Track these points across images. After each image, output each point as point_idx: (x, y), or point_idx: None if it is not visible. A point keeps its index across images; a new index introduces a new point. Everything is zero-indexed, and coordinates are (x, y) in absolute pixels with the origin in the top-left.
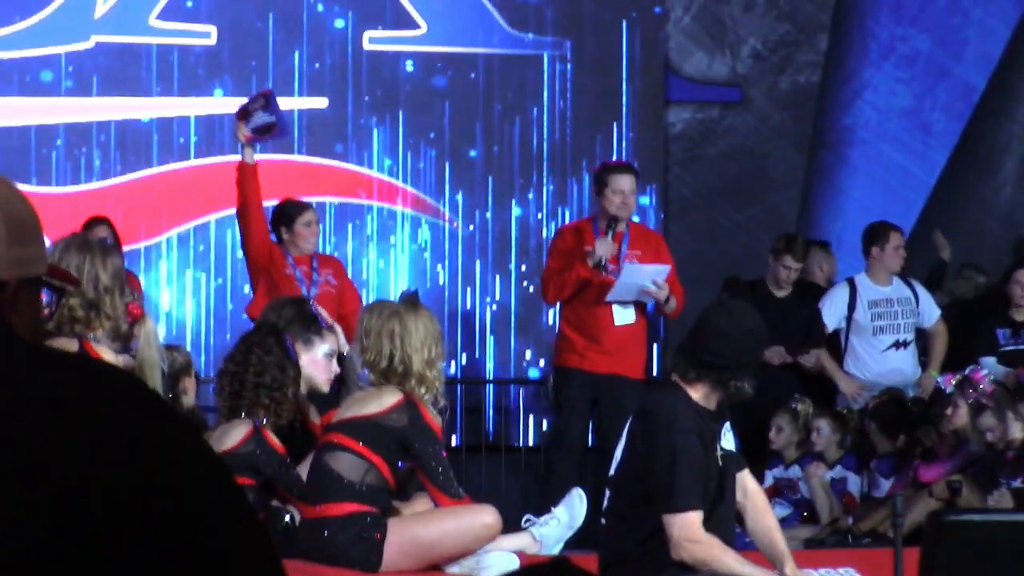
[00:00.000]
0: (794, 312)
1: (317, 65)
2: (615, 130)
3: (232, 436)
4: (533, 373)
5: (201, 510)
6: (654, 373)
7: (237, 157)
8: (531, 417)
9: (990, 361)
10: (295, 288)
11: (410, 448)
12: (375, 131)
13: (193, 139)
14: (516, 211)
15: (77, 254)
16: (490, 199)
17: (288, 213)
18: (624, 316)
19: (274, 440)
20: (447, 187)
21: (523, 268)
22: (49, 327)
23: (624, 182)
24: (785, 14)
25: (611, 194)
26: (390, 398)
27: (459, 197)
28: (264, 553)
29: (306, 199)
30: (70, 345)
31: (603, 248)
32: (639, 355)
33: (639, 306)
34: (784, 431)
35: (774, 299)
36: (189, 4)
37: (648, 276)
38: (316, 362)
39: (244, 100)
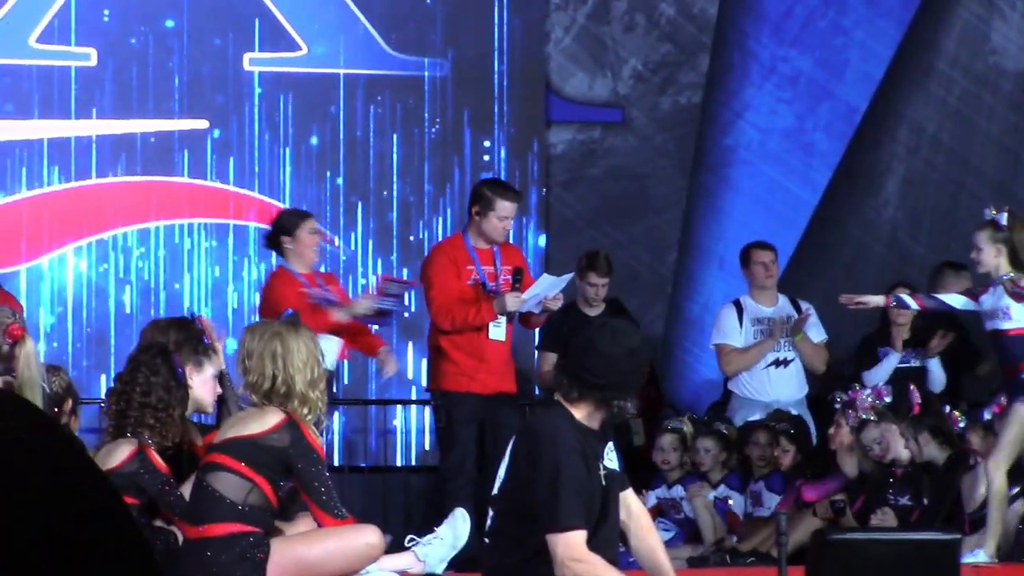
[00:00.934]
0: None
1: (197, 85)
2: (497, 151)
3: (116, 455)
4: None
5: (89, 523)
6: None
7: (117, 179)
8: (413, 437)
9: (873, 377)
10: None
11: (292, 468)
12: (255, 151)
13: (73, 161)
14: (398, 231)
15: None
16: (372, 219)
17: (289, 221)
18: (498, 332)
19: (158, 460)
20: (327, 206)
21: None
22: None
23: (510, 209)
24: (666, 35)
25: (496, 220)
26: (272, 418)
27: (341, 217)
28: (149, 569)
29: (186, 220)
30: None
31: (512, 304)
32: (513, 371)
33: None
34: (669, 452)
35: (587, 318)
36: (69, 26)
37: (557, 287)
38: (206, 383)
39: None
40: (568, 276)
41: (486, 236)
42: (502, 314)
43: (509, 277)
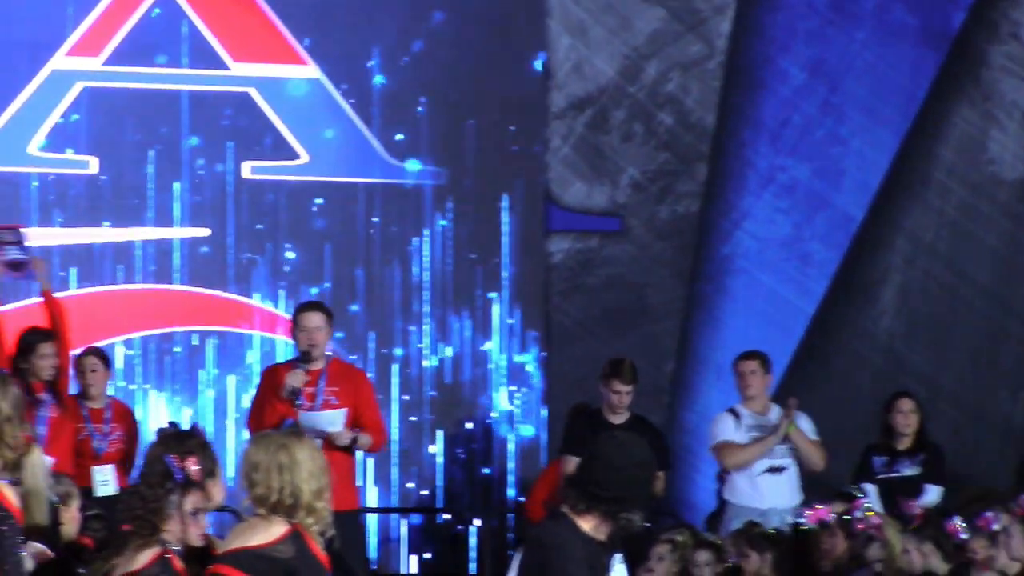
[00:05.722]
0: None
1: (198, 194)
2: (496, 260)
3: (140, 558)
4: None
5: None
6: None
7: (120, 287)
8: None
9: (872, 488)
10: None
11: None
12: (256, 261)
13: (73, 270)
14: (398, 341)
15: None
16: (371, 327)
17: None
18: None
19: (179, 564)
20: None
21: (405, 398)
22: None
23: (310, 319)
24: (664, 144)
25: (299, 332)
26: (277, 529)
27: (340, 326)
28: None
29: (187, 329)
30: None
31: (294, 379)
32: (348, 487)
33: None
34: (664, 560)
35: (611, 426)
36: (69, 134)
37: (324, 423)
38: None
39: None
40: (340, 412)
41: (302, 352)
42: (287, 396)
43: (333, 390)
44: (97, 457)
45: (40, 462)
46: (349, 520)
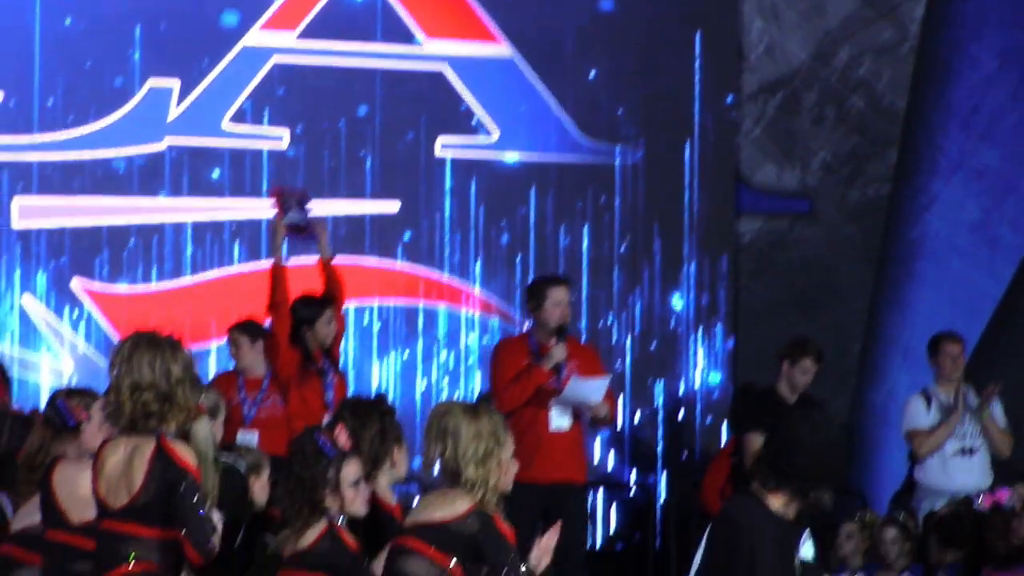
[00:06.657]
0: None
1: (389, 169)
2: (685, 239)
3: (308, 536)
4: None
5: None
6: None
7: (307, 259)
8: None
9: None
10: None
11: (483, 555)
12: (446, 235)
13: (264, 241)
14: (586, 318)
15: (148, 350)
16: None
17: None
18: (560, 422)
19: (348, 537)
20: (516, 290)
21: None
22: (123, 423)
23: (563, 293)
24: (855, 127)
25: (551, 307)
26: (462, 504)
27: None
28: None
29: (374, 303)
30: (147, 444)
31: (559, 353)
32: (581, 460)
33: (574, 412)
34: (853, 539)
35: (787, 405)
36: (262, 108)
37: (592, 391)
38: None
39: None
40: (605, 380)
41: (546, 327)
42: (551, 368)
43: (574, 363)
44: (244, 423)
45: (206, 430)
46: (576, 493)
